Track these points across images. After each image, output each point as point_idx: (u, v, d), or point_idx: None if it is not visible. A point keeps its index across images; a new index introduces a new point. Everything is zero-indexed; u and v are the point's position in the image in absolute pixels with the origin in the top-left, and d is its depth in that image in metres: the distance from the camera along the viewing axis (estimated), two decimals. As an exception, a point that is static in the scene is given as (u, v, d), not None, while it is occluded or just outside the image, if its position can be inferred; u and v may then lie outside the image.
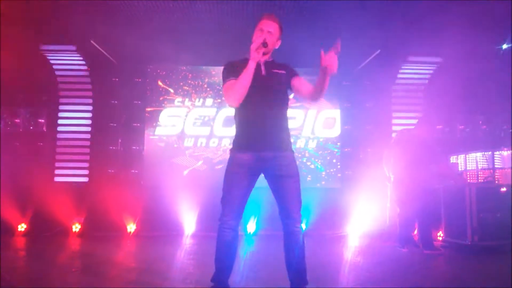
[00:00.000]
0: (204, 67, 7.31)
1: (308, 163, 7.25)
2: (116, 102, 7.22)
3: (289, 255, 2.75)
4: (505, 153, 5.82)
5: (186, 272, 3.88)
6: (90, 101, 7.14)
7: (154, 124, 7.21)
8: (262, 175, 2.83)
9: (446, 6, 5.50)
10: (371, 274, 3.86)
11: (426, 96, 7.27)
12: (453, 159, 6.39)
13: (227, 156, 2.87)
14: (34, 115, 7.07)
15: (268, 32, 2.80)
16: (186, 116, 7.23)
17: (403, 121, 7.08)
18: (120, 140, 7.21)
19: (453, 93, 6.56)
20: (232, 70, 2.78)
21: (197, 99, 7.28)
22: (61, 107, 7.10)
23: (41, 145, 7.07)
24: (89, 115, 7.12)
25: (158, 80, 7.29)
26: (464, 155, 6.23)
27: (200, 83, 7.30)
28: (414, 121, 5.96)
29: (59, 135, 7.06)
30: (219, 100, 7.23)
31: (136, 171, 7.19)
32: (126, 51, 6.81)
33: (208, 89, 7.28)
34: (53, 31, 6.39)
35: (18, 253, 5.08)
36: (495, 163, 5.80)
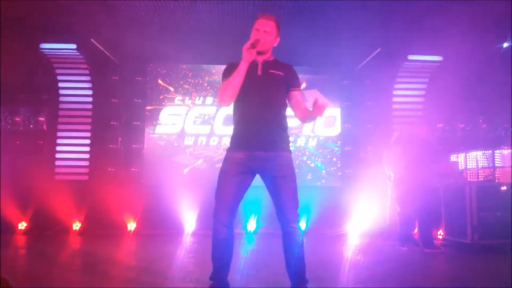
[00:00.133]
0: (204, 65, 7.30)
1: (309, 162, 7.25)
2: (116, 100, 7.21)
3: (288, 255, 2.76)
4: (506, 151, 5.82)
5: (186, 270, 3.88)
6: (90, 99, 7.13)
7: (154, 123, 7.21)
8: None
9: (447, 5, 5.50)
10: (371, 273, 3.86)
11: (427, 95, 7.27)
12: (453, 157, 6.38)
13: (226, 155, 2.88)
14: (34, 114, 7.07)
15: (264, 31, 2.79)
16: (186, 114, 7.23)
17: (403, 120, 7.08)
18: (120, 139, 7.21)
19: (453, 92, 6.55)
20: (230, 71, 2.80)
21: (197, 98, 7.27)
22: (61, 106, 7.09)
23: (42, 143, 7.06)
24: (89, 113, 7.11)
25: (158, 78, 7.29)
26: (464, 153, 6.22)
27: (200, 81, 7.30)
28: (415, 120, 5.98)
29: (59, 134, 7.05)
30: (219, 99, 7.21)
31: (136, 170, 7.19)
32: (126, 50, 6.81)
33: (208, 87, 7.28)
34: (54, 30, 6.40)
35: (19, 251, 5.09)
36: (496, 162, 5.79)
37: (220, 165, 2.87)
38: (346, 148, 7.38)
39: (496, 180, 5.62)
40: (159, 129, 7.21)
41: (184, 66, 7.31)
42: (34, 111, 7.07)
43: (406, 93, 7.33)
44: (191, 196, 6.49)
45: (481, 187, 5.17)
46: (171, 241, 5.85)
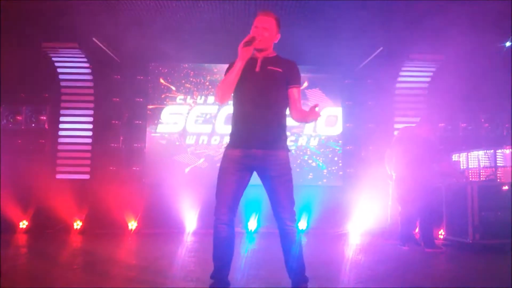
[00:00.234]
0: (206, 64, 7.30)
1: (310, 161, 7.24)
2: (118, 99, 7.22)
3: (287, 254, 2.76)
4: (507, 151, 5.80)
5: (187, 269, 3.88)
6: (92, 98, 7.14)
7: (156, 122, 7.21)
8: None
9: (448, 5, 5.49)
10: (372, 272, 3.85)
11: (428, 94, 7.25)
12: (455, 157, 6.37)
13: (227, 154, 2.87)
14: (36, 113, 7.07)
15: (263, 28, 2.79)
16: (188, 113, 7.23)
17: (405, 119, 7.06)
18: (121, 138, 7.21)
19: (455, 91, 6.54)
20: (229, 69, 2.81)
21: (199, 97, 7.27)
22: (63, 105, 7.10)
23: (43, 142, 7.07)
24: (91, 112, 7.12)
25: (160, 77, 7.29)
26: (466, 153, 6.21)
27: (202, 80, 7.30)
28: (416, 120, 5.96)
29: (61, 133, 7.06)
30: (220, 98, 7.21)
31: (138, 169, 7.19)
32: (128, 49, 6.80)
33: (210, 86, 7.27)
34: (55, 29, 6.40)
35: (20, 250, 5.10)
36: (497, 161, 5.78)
37: (221, 164, 2.86)
38: (348, 148, 7.37)
39: (498, 180, 5.61)
40: (160, 128, 7.21)
41: (186, 65, 7.31)
42: (36, 110, 7.08)
43: (408, 93, 7.32)
44: (192, 195, 6.49)
45: (482, 187, 5.16)
46: (172, 240, 5.85)
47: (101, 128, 7.11)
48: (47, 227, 6.45)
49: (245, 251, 4.98)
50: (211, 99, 7.26)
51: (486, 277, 3.80)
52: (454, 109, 7.15)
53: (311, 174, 7.22)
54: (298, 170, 7.01)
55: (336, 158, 7.31)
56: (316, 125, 7.24)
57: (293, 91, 2.84)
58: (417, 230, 5.58)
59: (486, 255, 4.78)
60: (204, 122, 7.23)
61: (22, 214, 6.48)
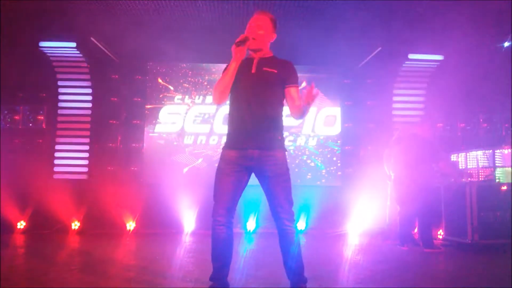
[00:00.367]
0: (204, 64, 7.29)
1: (308, 161, 7.23)
2: (116, 99, 7.20)
3: (285, 254, 2.75)
4: (506, 151, 5.80)
5: (186, 270, 3.87)
6: (90, 98, 7.12)
7: (154, 122, 7.19)
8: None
9: (448, 5, 5.49)
10: (371, 273, 3.84)
11: (427, 94, 7.25)
12: (454, 157, 6.37)
13: (225, 154, 2.86)
14: (33, 112, 7.05)
15: (257, 26, 2.79)
16: (186, 113, 7.22)
17: (404, 119, 7.07)
18: (119, 137, 7.20)
19: (454, 91, 6.54)
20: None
21: (197, 97, 7.26)
22: (61, 104, 7.08)
23: (41, 142, 7.05)
24: (88, 112, 7.10)
25: (158, 77, 7.27)
26: (465, 153, 6.21)
27: (200, 80, 7.29)
28: (415, 119, 5.96)
29: (59, 132, 7.04)
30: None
31: (136, 169, 7.18)
32: (126, 48, 6.79)
33: (208, 86, 7.26)
34: (53, 28, 6.37)
35: (17, 251, 5.07)
36: (496, 162, 5.78)
37: (219, 164, 2.85)
38: (346, 148, 7.37)
39: (497, 180, 5.61)
40: (158, 128, 7.19)
41: (184, 64, 7.30)
42: (33, 110, 7.06)
43: (407, 92, 7.32)
44: (191, 196, 6.48)
45: (481, 187, 5.16)
46: (170, 241, 5.84)
47: (99, 128, 7.09)
48: (45, 228, 6.43)
49: (243, 252, 4.97)
50: (209, 99, 7.25)
51: (485, 277, 3.79)
52: (453, 109, 7.14)
53: (309, 174, 7.21)
54: (296, 170, 7.00)
55: (334, 158, 7.30)
56: (314, 125, 7.23)
57: (291, 91, 2.83)
58: (416, 230, 5.58)
59: (485, 255, 4.77)
60: (202, 122, 7.22)
61: (19, 214, 6.45)
